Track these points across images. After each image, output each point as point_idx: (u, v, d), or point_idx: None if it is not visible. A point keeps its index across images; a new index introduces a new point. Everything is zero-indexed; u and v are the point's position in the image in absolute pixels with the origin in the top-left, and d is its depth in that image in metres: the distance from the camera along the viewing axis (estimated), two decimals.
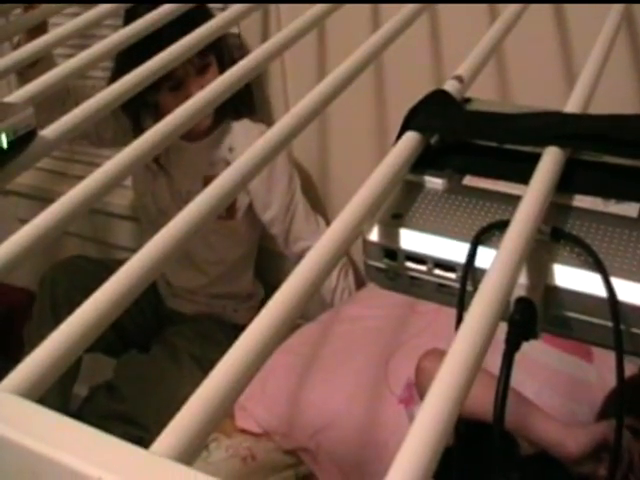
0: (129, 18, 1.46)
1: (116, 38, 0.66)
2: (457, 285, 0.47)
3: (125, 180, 0.54)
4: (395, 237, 0.49)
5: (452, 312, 0.48)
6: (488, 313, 0.35)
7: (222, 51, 1.63)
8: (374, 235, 0.50)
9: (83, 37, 1.42)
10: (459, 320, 0.46)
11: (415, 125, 0.52)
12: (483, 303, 0.36)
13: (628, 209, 0.49)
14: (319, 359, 1.47)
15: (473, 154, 0.54)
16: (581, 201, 0.50)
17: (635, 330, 0.44)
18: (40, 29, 1.13)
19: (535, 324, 0.44)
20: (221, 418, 0.31)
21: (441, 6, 1.48)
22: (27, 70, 1.39)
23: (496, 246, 0.42)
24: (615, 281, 0.43)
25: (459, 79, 0.60)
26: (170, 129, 0.52)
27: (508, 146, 0.52)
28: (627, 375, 1.05)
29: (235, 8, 0.72)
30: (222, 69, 1.60)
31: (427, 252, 0.48)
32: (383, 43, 0.65)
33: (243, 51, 1.75)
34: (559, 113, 0.54)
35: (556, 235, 0.47)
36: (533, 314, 0.44)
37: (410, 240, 0.49)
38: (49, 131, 0.51)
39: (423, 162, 0.52)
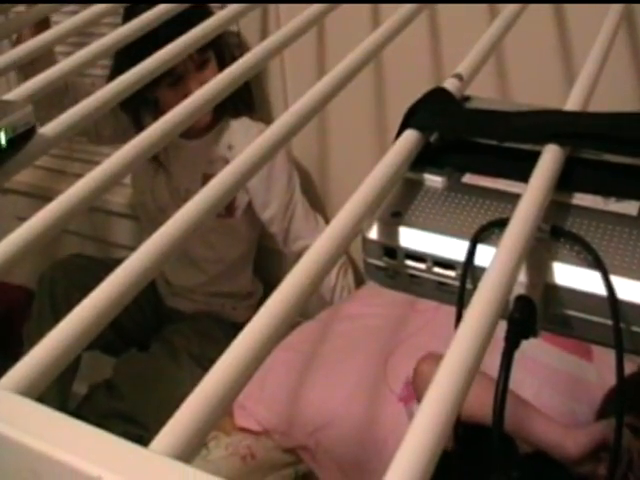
0: (128, 16, 1.46)
1: (115, 36, 0.66)
2: (457, 283, 0.47)
3: (124, 178, 0.54)
4: (394, 235, 0.49)
5: (451, 310, 0.48)
6: (487, 311, 0.35)
7: (221, 48, 1.63)
8: (373, 233, 0.50)
9: (82, 35, 1.41)
10: (458, 318, 0.46)
11: (415, 123, 0.52)
12: (482, 301, 0.36)
13: (628, 207, 0.49)
14: (319, 357, 1.47)
15: (473, 152, 0.54)
16: (581, 199, 0.50)
17: (635, 328, 0.44)
18: (44, 26, 1.13)
19: (535, 322, 0.44)
20: (220, 416, 0.31)
21: (440, 5, 1.48)
22: (28, 67, 1.39)
23: (496, 244, 0.42)
24: (615, 279, 0.43)
25: (459, 77, 0.60)
26: (169, 127, 0.52)
27: (508, 144, 0.52)
28: (627, 373, 1.05)
29: (234, 6, 0.72)
30: (221, 66, 1.60)
31: (426, 250, 0.48)
32: (382, 41, 0.65)
33: (242, 49, 1.75)
34: (559, 111, 0.54)
35: (556, 233, 0.47)
36: (533, 312, 0.44)
37: (409, 238, 0.49)
38: (48, 129, 0.51)
39: (423, 160, 0.52)
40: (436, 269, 0.48)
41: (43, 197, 2.18)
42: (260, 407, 1.43)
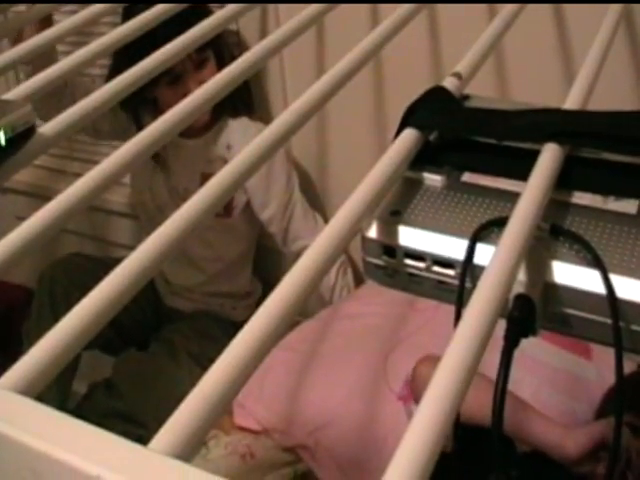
0: (127, 16, 1.46)
1: (114, 35, 0.66)
2: (456, 282, 0.47)
3: (123, 177, 0.54)
4: (394, 234, 0.49)
5: (451, 309, 0.48)
6: (487, 310, 0.35)
7: (220, 47, 1.63)
8: (373, 232, 0.50)
9: (81, 34, 1.41)
10: (458, 317, 0.46)
11: (414, 122, 0.52)
12: (482, 300, 0.36)
13: (627, 206, 0.49)
14: (318, 356, 1.47)
15: (472, 151, 0.54)
16: (580, 198, 0.50)
17: (634, 327, 0.44)
18: (46, 23, 1.14)
19: (534, 321, 0.44)
20: (220, 415, 0.31)
21: (440, 4, 1.48)
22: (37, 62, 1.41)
23: (495, 243, 0.42)
24: (614, 278, 0.43)
25: (458, 76, 0.60)
26: (169, 126, 0.52)
27: (507, 143, 0.52)
28: (626, 372, 1.05)
29: (232, 6, 0.72)
30: (221, 65, 1.60)
31: (426, 249, 0.48)
32: (382, 40, 0.65)
33: (242, 48, 1.74)
34: (558, 110, 0.54)
35: (555, 232, 0.47)
36: (532, 311, 0.44)
37: (409, 237, 0.49)
38: (47, 128, 0.51)
39: (422, 159, 0.52)
40: (435, 268, 0.48)
41: (42, 196, 2.19)
42: (259, 406, 1.43)
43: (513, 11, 0.72)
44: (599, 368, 1.29)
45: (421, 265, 0.49)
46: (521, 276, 0.44)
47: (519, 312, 0.44)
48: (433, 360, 1.18)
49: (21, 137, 0.47)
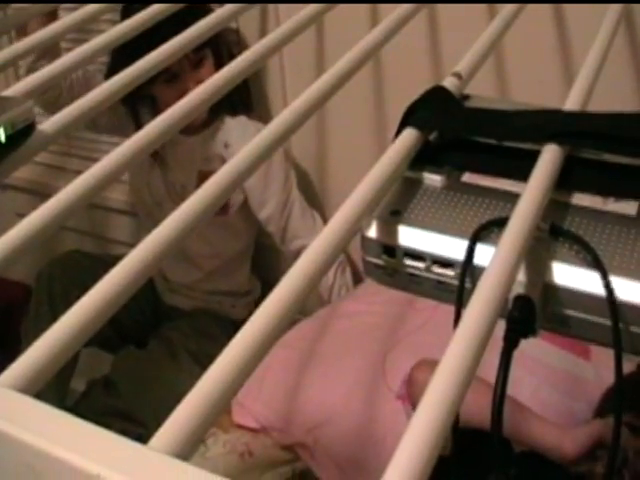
0: (126, 13, 1.45)
1: (113, 34, 0.66)
2: (455, 282, 0.47)
3: (122, 175, 0.54)
4: (393, 234, 0.49)
5: (450, 309, 0.48)
6: (486, 310, 0.35)
7: (219, 45, 1.63)
8: (372, 232, 0.50)
9: (81, 31, 1.42)
10: (457, 317, 0.46)
11: (414, 122, 0.52)
12: (481, 300, 0.36)
13: (627, 207, 0.49)
14: (317, 355, 1.47)
15: (472, 151, 0.54)
16: (580, 199, 0.50)
17: (634, 329, 0.44)
18: (51, 18, 1.14)
19: (534, 322, 0.44)
20: (219, 414, 0.31)
21: (439, 4, 1.48)
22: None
23: (495, 243, 0.42)
24: (614, 279, 0.43)
25: (458, 76, 0.60)
26: (168, 125, 0.52)
27: (507, 143, 0.52)
28: (626, 373, 1.05)
29: (229, 6, 0.72)
30: (219, 63, 1.60)
31: (425, 249, 0.48)
32: (381, 39, 0.65)
33: (241, 47, 1.74)
34: (558, 111, 0.54)
35: (555, 233, 0.47)
36: (532, 312, 0.44)
37: (408, 237, 0.49)
38: (47, 125, 0.51)
39: (422, 159, 0.52)
40: (435, 268, 0.48)
41: (42, 193, 2.18)
42: (258, 404, 1.43)
43: (513, 11, 0.72)
44: (598, 368, 1.29)
45: (421, 265, 0.49)
46: (521, 277, 0.44)
47: (519, 313, 0.44)
48: (429, 365, 1.18)
49: (21, 134, 0.47)
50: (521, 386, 1.22)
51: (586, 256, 0.45)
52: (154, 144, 0.50)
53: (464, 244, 0.47)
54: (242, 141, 1.63)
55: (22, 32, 1.42)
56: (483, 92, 0.60)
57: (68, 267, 1.86)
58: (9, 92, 0.55)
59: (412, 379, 1.20)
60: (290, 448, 1.41)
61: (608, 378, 1.19)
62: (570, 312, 0.45)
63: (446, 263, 0.48)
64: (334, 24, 1.59)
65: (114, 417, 1.67)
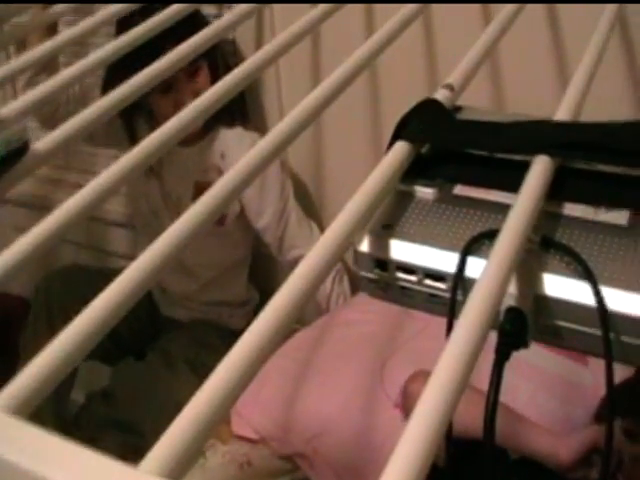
0: (121, 26, 1.46)
1: (111, 47, 0.67)
2: (447, 295, 0.48)
3: (121, 188, 0.54)
4: (385, 248, 0.49)
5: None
6: (478, 322, 0.36)
7: (214, 55, 1.63)
8: (365, 246, 0.50)
9: (76, 44, 1.42)
10: (449, 329, 0.47)
11: (405, 135, 0.53)
12: (473, 312, 0.36)
13: (618, 217, 0.49)
14: (315, 364, 1.47)
15: (464, 163, 0.54)
16: (571, 209, 0.50)
17: (624, 339, 0.44)
18: (50, 32, 1.14)
19: (525, 333, 0.44)
20: (214, 429, 0.32)
21: (435, 11, 1.48)
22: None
23: (486, 256, 0.42)
24: (605, 290, 0.44)
25: (450, 87, 0.60)
26: (165, 138, 0.52)
27: (498, 155, 0.53)
28: (622, 377, 1.06)
29: (226, 18, 0.72)
30: (215, 73, 1.60)
31: (417, 262, 0.48)
32: (377, 49, 0.65)
33: (237, 57, 1.75)
34: (549, 121, 0.54)
35: (546, 244, 0.47)
36: (523, 323, 0.44)
37: (400, 250, 0.49)
38: (42, 144, 0.51)
39: (414, 172, 0.53)
40: (427, 281, 0.49)
41: (40, 207, 2.18)
42: (256, 414, 1.43)
43: (507, 17, 0.72)
44: (595, 374, 1.29)
45: (413, 278, 0.49)
46: (512, 289, 0.44)
47: (510, 325, 0.44)
48: (424, 377, 1.18)
49: (15, 154, 0.47)
50: (518, 392, 1.22)
51: (577, 267, 0.45)
52: (152, 157, 0.51)
53: (455, 257, 0.47)
54: (238, 152, 1.63)
55: (22, 46, 1.42)
56: (477, 100, 0.60)
57: (65, 281, 1.86)
58: (6, 109, 0.55)
59: (407, 391, 1.20)
60: (289, 458, 1.41)
61: (605, 384, 1.19)
62: (561, 323, 0.45)
63: (438, 276, 0.48)
64: (330, 35, 1.60)
65: (113, 428, 1.67)
